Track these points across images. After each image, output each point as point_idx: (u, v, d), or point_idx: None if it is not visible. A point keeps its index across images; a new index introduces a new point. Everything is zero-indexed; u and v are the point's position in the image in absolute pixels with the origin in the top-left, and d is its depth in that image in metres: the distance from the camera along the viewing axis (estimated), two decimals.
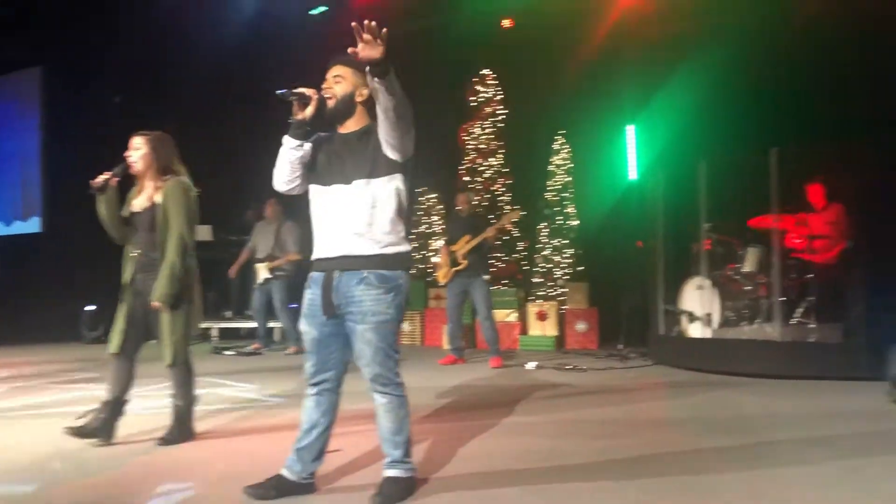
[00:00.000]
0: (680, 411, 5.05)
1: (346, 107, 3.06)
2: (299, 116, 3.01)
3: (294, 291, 7.74)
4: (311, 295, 3.05)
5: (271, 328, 9.55)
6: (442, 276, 7.52)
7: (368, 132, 3.01)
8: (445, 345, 8.15)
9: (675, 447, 3.85)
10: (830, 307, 6.62)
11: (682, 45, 7.99)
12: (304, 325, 3.07)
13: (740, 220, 7.18)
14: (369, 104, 3.00)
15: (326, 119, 3.07)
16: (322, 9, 10.32)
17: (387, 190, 2.97)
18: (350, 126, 3.08)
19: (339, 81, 3.05)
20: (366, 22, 2.58)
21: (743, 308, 7.07)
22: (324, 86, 3.06)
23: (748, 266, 7.00)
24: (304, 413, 3.09)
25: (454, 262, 7.35)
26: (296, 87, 3.00)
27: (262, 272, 8.53)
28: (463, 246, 7.31)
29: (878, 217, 6.16)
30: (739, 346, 6.65)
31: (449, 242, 7.53)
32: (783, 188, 6.59)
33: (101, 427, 3.90)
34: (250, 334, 9.76)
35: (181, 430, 4.01)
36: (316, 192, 3.08)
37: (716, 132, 7.62)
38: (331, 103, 3.04)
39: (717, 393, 5.64)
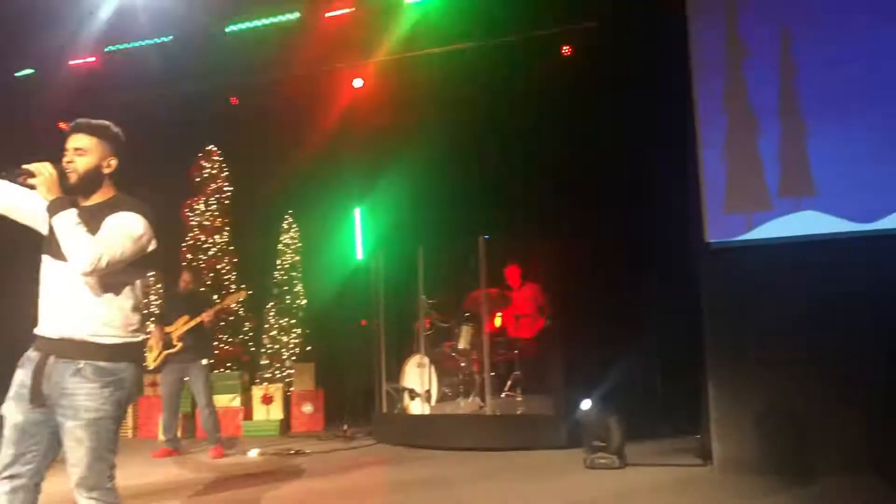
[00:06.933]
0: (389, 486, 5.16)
1: (91, 181, 2.76)
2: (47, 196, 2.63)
3: None
4: (23, 376, 2.68)
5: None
6: (152, 359, 6.85)
7: (114, 206, 2.74)
8: (160, 436, 7.36)
9: None
10: (535, 381, 7.21)
11: (405, 135, 8.41)
12: (7, 407, 2.67)
13: (455, 300, 7.62)
14: (118, 174, 2.81)
15: (66, 192, 2.68)
16: (28, 71, 9.41)
17: (120, 277, 2.71)
18: (95, 199, 2.78)
19: (81, 154, 2.73)
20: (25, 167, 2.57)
21: (459, 384, 7.43)
22: (64, 159, 2.72)
23: (462, 343, 7.36)
24: None
25: (168, 345, 6.85)
26: (23, 167, 2.63)
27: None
28: (179, 327, 6.85)
29: (572, 299, 6.91)
30: (454, 420, 6.97)
31: (164, 322, 6.98)
32: (489, 271, 7.10)
33: None
34: None
35: None
36: (47, 263, 2.74)
37: (434, 218, 8.12)
38: (72, 178, 2.71)
39: (428, 468, 5.86)
